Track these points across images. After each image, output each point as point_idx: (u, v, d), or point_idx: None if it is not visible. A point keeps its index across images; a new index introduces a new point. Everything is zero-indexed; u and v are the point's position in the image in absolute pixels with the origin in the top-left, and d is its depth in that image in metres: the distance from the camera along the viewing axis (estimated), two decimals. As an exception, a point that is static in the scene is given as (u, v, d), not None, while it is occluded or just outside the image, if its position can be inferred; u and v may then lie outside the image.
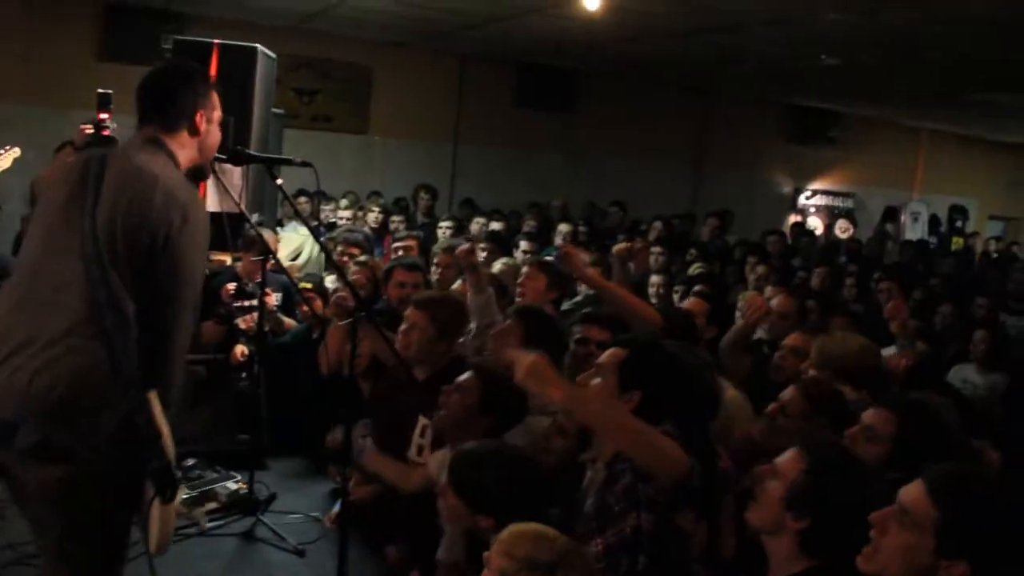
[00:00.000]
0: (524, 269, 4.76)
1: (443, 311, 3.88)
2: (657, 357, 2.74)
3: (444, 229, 7.91)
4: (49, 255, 2.45)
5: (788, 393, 3.19)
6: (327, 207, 8.43)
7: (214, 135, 2.73)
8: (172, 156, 2.60)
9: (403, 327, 3.83)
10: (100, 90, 4.77)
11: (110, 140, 4.83)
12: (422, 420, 3.59)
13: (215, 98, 2.72)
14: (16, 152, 4.86)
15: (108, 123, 4.76)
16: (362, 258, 5.56)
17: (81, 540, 2.38)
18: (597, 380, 2.68)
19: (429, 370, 3.77)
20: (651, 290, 6.22)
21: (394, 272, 5.19)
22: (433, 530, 3.10)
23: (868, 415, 2.89)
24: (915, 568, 1.83)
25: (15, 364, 2.30)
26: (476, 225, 8.43)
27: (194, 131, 2.65)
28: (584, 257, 4.04)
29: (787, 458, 2.13)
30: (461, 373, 3.36)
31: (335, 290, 5.17)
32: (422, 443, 3.61)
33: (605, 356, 2.73)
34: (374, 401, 3.96)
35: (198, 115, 2.64)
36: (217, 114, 2.72)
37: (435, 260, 5.56)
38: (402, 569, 3.47)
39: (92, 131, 4.79)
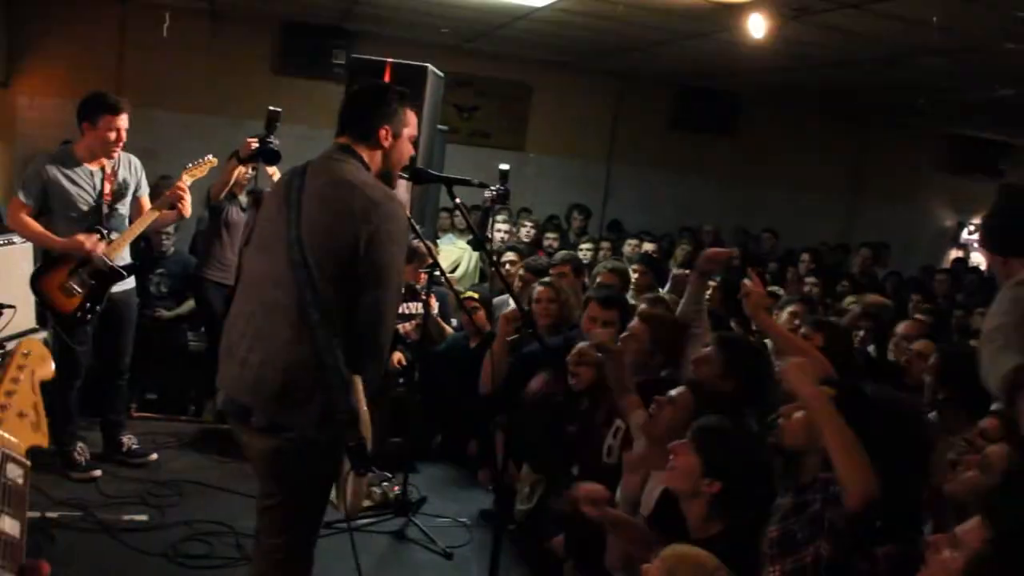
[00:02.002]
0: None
1: (662, 328, 4.00)
2: (856, 402, 2.78)
3: (584, 252, 7.92)
4: (264, 264, 2.83)
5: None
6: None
7: (400, 149, 2.97)
8: (363, 161, 2.89)
9: (624, 335, 4.01)
10: (271, 108, 5.07)
11: (272, 153, 5.14)
12: (618, 422, 3.68)
13: (407, 116, 2.96)
14: (213, 162, 5.21)
15: (272, 138, 5.08)
16: (547, 279, 5.58)
17: (292, 500, 2.84)
18: (800, 413, 2.74)
19: (639, 378, 3.84)
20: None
21: (589, 305, 4.96)
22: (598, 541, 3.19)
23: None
24: None
25: (244, 358, 2.76)
26: (628, 247, 8.46)
27: (378, 144, 2.91)
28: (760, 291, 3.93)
29: (970, 527, 1.97)
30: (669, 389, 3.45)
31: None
32: (613, 444, 3.72)
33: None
34: (585, 407, 4.11)
35: (383, 130, 2.90)
36: (407, 131, 2.97)
37: (598, 279, 5.57)
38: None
39: (258, 145, 5.11)
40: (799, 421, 2.71)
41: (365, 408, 2.67)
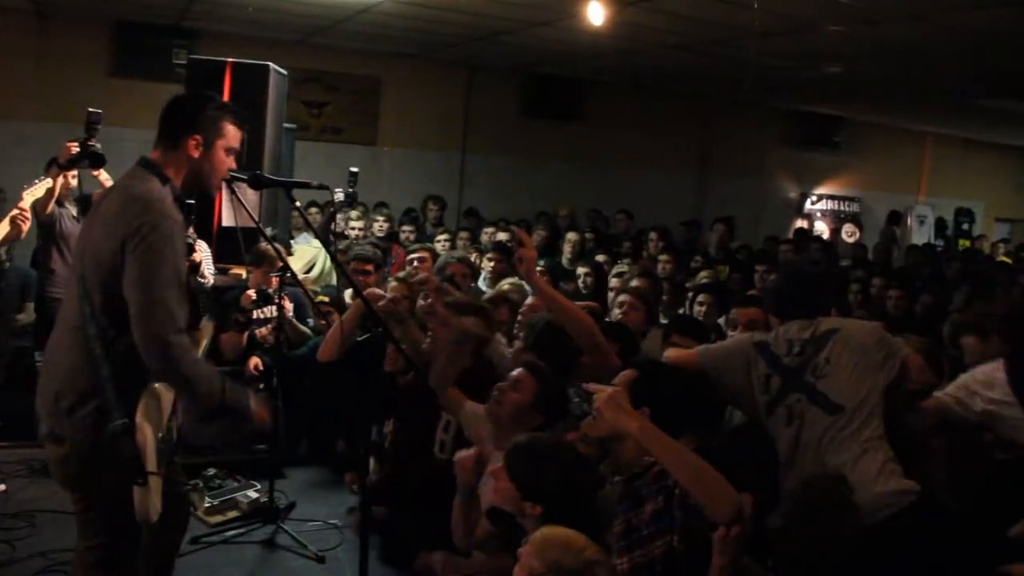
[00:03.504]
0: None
1: (467, 313, 4.00)
2: (663, 377, 2.92)
3: (442, 243, 7.97)
4: (69, 278, 2.91)
5: None
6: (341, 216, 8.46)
7: (213, 159, 2.89)
8: (160, 174, 2.82)
9: (430, 332, 3.93)
10: (90, 109, 4.94)
11: (98, 156, 5.00)
12: (445, 416, 3.70)
13: (224, 128, 2.89)
14: (48, 183, 5.03)
15: (94, 141, 4.93)
16: (401, 273, 5.61)
17: (92, 505, 2.80)
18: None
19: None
20: (664, 298, 6.28)
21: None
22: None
23: None
24: None
25: (44, 373, 2.85)
26: (485, 236, 8.54)
27: (186, 153, 2.85)
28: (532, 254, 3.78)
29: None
30: (486, 375, 3.49)
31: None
32: (444, 438, 3.72)
33: (619, 376, 2.91)
34: (400, 400, 4.07)
35: (191, 140, 2.84)
36: (222, 142, 2.89)
37: (447, 271, 5.65)
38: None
39: (78, 149, 4.95)
40: (597, 418, 2.75)
41: (147, 423, 2.68)
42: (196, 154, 2.85)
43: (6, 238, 4.86)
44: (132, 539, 2.86)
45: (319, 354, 4.23)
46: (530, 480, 2.68)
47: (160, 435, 2.77)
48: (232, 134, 2.92)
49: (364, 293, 3.85)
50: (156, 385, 2.78)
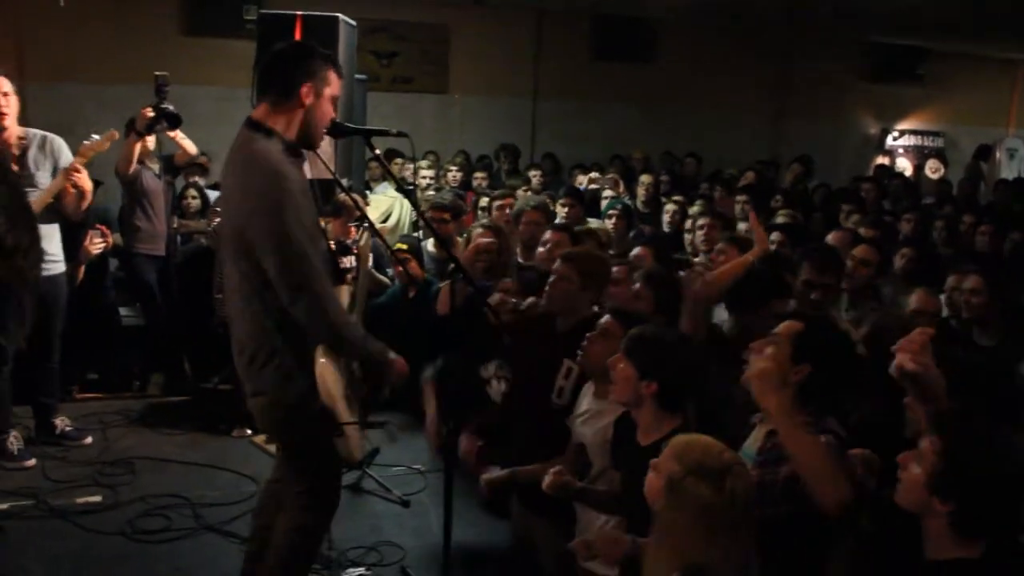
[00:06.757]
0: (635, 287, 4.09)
1: (588, 264, 3.95)
2: (829, 334, 2.78)
3: (526, 192, 7.96)
4: (224, 256, 3.05)
5: None
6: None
7: (322, 108, 2.89)
8: (271, 132, 2.82)
9: (551, 279, 3.91)
10: (157, 73, 5.00)
11: (174, 117, 5.07)
12: (567, 363, 3.71)
13: (329, 76, 2.88)
14: (115, 136, 5.09)
15: (166, 103, 4.99)
16: (485, 221, 5.62)
17: (294, 451, 3.04)
18: (771, 348, 2.65)
19: (572, 320, 3.83)
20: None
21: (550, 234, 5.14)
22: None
23: None
24: None
25: (234, 341, 2.96)
26: (583, 187, 8.50)
27: (300, 102, 2.84)
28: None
29: (926, 441, 2.09)
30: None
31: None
32: (564, 384, 3.73)
33: (782, 327, 2.74)
34: (516, 349, 4.10)
35: (304, 87, 2.82)
36: (329, 91, 2.89)
37: (523, 218, 5.61)
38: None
39: (152, 113, 5.03)
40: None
41: (323, 374, 2.77)
42: (310, 101, 2.84)
43: (72, 203, 4.79)
44: (332, 482, 3.09)
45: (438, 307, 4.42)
46: (647, 358, 2.79)
47: (346, 383, 2.90)
48: (336, 82, 2.91)
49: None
50: None
